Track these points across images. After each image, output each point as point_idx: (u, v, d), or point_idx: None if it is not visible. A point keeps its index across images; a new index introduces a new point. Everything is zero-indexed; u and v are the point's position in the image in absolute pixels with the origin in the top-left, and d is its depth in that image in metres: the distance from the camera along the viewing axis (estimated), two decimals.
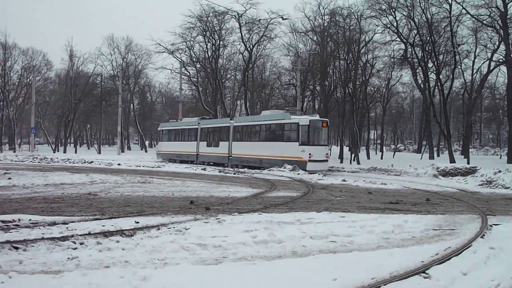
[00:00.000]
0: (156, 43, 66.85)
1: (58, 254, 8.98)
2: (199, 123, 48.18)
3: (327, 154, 36.04)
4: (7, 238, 9.83)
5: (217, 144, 43.65)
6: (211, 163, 43.99)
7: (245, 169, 37.31)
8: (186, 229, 11.13)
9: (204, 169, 35.54)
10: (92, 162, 44.64)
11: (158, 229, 11.21)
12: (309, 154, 33.52)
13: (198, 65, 67.50)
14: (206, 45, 64.21)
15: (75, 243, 9.71)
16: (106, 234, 10.49)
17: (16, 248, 9.23)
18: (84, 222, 11.99)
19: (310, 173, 31.59)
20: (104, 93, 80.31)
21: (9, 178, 25.24)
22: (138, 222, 11.94)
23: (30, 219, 11.73)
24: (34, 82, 74.76)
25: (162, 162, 48.25)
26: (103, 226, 11.44)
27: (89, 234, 10.41)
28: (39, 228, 11.07)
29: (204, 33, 62.93)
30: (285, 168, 33.83)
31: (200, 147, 46.31)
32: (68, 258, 8.74)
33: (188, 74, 68.99)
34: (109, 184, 23.40)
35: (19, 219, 11.66)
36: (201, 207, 14.92)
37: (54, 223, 11.58)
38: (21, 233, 10.50)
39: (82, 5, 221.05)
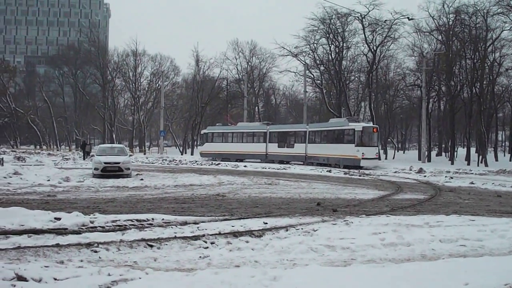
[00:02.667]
0: (280, 46, 67.19)
1: (190, 253, 9.34)
2: (267, 127, 53.29)
3: (377, 153, 43.70)
4: (142, 236, 10.34)
5: (292, 146, 49.43)
6: (284, 161, 49.61)
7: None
8: (314, 231, 11.20)
9: (330, 171, 35.49)
10: (219, 164, 45.63)
11: (287, 230, 11.36)
12: (362, 153, 40.46)
13: (322, 68, 67.23)
14: (330, 47, 63.91)
15: (206, 242, 10.04)
16: (235, 234, 10.77)
17: (151, 246, 9.68)
18: (214, 222, 12.36)
19: (434, 175, 31.27)
20: (229, 96, 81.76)
21: (141, 179, 26.38)
22: (266, 223, 12.16)
23: (162, 219, 12.26)
24: (163, 87, 77.40)
25: (213, 161, 52.69)
26: (232, 226, 11.74)
27: (220, 234, 10.74)
28: (172, 227, 11.52)
29: (327, 35, 62.63)
30: (410, 170, 33.64)
31: (269, 148, 51.49)
32: (200, 256, 9.08)
33: (312, 76, 68.89)
34: (236, 185, 23.92)
35: (152, 219, 12.19)
36: (328, 209, 14.97)
37: (185, 223, 12.02)
38: (154, 231, 11.00)
39: (208, 11, 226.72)
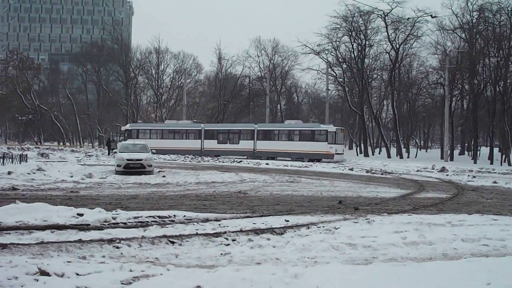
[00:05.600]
0: (302, 44, 66.97)
1: (212, 250, 9.39)
2: (202, 125, 59.78)
3: (342, 149, 53.53)
4: (163, 233, 10.41)
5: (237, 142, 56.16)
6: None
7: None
8: (336, 229, 11.21)
9: (351, 169, 35.40)
10: (241, 161, 45.71)
11: (308, 228, 11.38)
12: (336, 149, 49.21)
13: (344, 65, 67.13)
14: (352, 45, 63.87)
15: (227, 239, 10.08)
16: (257, 231, 10.78)
17: (172, 242, 9.74)
18: (236, 219, 12.41)
19: (457, 174, 30.91)
20: (252, 94, 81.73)
21: (164, 176, 26.47)
22: (288, 221, 12.18)
23: (184, 215, 12.31)
24: (185, 84, 77.67)
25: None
26: (254, 223, 11.78)
27: (241, 231, 10.80)
28: (193, 224, 11.59)
29: (350, 33, 62.59)
30: (433, 169, 33.50)
31: (204, 144, 57.16)
32: (221, 253, 9.12)
33: (335, 74, 68.76)
34: (258, 183, 23.95)
35: (174, 215, 12.25)
36: (350, 207, 14.97)
37: (207, 220, 12.07)
38: (176, 228, 11.07)
39: (230, 9, 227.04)
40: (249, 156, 53.00)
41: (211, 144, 56.85)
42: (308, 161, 47.82)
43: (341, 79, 68.24)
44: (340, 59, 65.92)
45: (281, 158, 51.60)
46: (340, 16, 60.77)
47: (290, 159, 50.33)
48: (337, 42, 63.80)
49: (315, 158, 49.57)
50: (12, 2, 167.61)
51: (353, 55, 64.52)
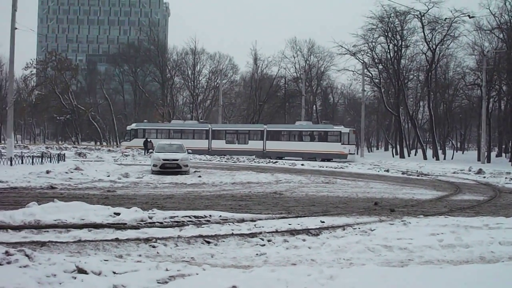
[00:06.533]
0: (338, 45, 66.99)
1: (247, 250, 9.41)
2: (209, 125, 61.53)
3: (354, 149, 56.06)
4: (199, 233, 10.46)
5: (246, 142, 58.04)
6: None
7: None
8: (371, 230, 11.14)
9: (387, 171, 35.13)
10: (276, 162, 45.72)
11: (343, 229, 11.33)
12: (349, 149, 51.58)
13: (380, 66, 66.91)
14: (388, 45, 63.61)
15: (263, 240, 10.09)
16: (292, 232, 10.77)
17: (208, 242, 9.79)
18: (271, 220, 12.40)
19: (494, 177, 30.54)
20: (287, 95, 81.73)
21: (199, 176, 26.57)
22: (323, 222, 12.14)
23: (220, 216, 12.34)
24: (221, 85, 77.93)
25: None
26: (289, 224, 11.76)
27: (276, 232, 10.79)
28: (229, 224, 11.63)
29: (386, 33, 62.36)
30: (469, 171, 33.10)
31: (212, 144, 58.74)
32: (257, 254, 9.13)
33: (371, 75, 68.59)
34: (293, 183, 23.92)
35: (210, 215, 12.29)
36: (386, 209, 14.85)
37: (242, 220, 12.10)
38: (212, 228, 11.11)
39: (266, 10, 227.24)
40: (258, 156, 54.30)
41: (219, 144, 58.50)
42: (320, 161, 49.61)
43: (377, 80, 68.04)
44: (376, 60, 65.76)
45: (291, 158, 52.74)
46: (376, 17, 60.75)
47: (301, 158, 51.57)
48: (373, 43, 63.83)
49: (328, 158, 51.51)
50: (51, 4, 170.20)
51: (389, 55, 64.22)
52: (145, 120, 69.54)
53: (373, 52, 64.67)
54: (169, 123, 66.28)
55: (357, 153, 61.76)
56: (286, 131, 57.67)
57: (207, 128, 60.20)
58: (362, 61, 64.32)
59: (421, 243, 9.85)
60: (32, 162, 29.67)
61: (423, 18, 56.67)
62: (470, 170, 34.27)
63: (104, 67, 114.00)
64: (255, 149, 56.23)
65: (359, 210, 14.63)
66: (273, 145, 55.85)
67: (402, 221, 12.43)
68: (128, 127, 65.70)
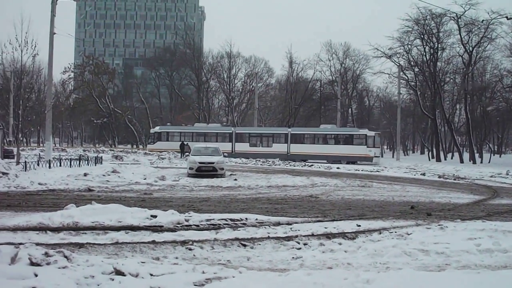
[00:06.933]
0: (374, 48, 66.72)
1: (283, 253, 9.41)
2: (233, 129, 62.45)
3: (379, 152, 59.05)
4: (235, 236, 10.53)
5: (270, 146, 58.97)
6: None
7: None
8: (408, 234, 11.07)
9: (423, 174, 34.80)
10: (312, 165, 45.65)
11: (380, 233, 11.29)
12: (374, 152, 52.81)
13: (416, 69, 66.32)
14: (424, 48, 63.03)
15: (299, 243, 10.11)
16: (328, 236, 10.77)
17: (244, 245, 9.84)
18: (307, 223, 12.40)
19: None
20: (323, 98, 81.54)
21: (235, 180, 26.68)
22: (359, 226, 12.12)
23: (256, 219, 12.39)
24: (257, 88, 77.92)
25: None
26: (325, 228, 11.74)
27: (312, 235, 10.79)
28: (265, 227, 11.65)
29: (422, 36, 61.81)
30: (507, 174, 32.67)
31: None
32: (293, 257, 9.12)
33: (406, 78, 68.04)
34: (329, 187, 23.86)
35: (246, 218, 12.35)
36: (422, 213, 14.73)
37: (278, 223, 12.10)
38: (248, 231, 11.17)
39: (301, 13, 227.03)
40: (281, 159, 54.09)
41: (242, 147, 58.90)
42: (346, 163, 50.38)
43: (413, 83, 67.42)
44: (412, 63, 65.24)
45: (314, 160, 53.45)
46: (412, 19, 60.29)
47: (325, 161, 52.81)
48: (409, 46, 63.30)
49: (353, 160, 52.57)
50: (89, 9, 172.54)
51: (425, 58, 63.70)
52: (169, 123, 71.01)
53: (409, 54, 64.23)
54: (193, 126, 67.02)
55: (382, 156, 63.18)
56: (310, 134, 58.58)
57: (231, 131, 61.23)
58: (398, 64, 63.94)
59: (458, 247, 9.75)
60: (70, 164, 30.04)
61: (459, 20, 56.15)
62: (508, 174, 33.80)
63: (141, 71, 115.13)
64: (279, 152, 57.00)
65: (396, 213, 14.54)
66: (297, 148, 56.76)
67: (439, 225, 12.32)
68: (152, 130, 66.54)
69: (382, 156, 60.72)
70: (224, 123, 75.13)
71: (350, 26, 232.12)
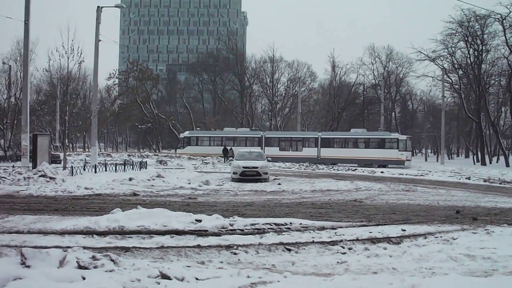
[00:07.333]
0: (417, 51, 65.92)
1: (328, 258, 9.42)
2: (262, 133, 63.16)
3: (411, 156, 58.35)
4: (280, 240, 10.57)
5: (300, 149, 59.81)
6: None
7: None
8: (454, 239, 10.97)
9: (468, 178, 34.32)
10: (355, 169, 45.42)
11: (425, 237, 11.22)
12: (406, 156, 53.48)
13: (460, 72, 65.64)
14: (468, 50, 62.35)
15: (343, 248, 10.10)
16: (373, 240, 10.77)
17: (289, 250, 9.87)
18: (352, 228, 12.39)
19: None
20: (366, 102, 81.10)
21: (279, 184, 26.68)
22: (404, 230, 12.03)
23: (300, 223, 12.38)
24: (300, 92, 77.98)
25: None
26: (370, 232, 11.71)
27: (357, 240, 10.80)
28: (309, 232, 11.66)
29: (466, 38, 61.18)
30: None
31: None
32: (338, 262, 9.12)
33: (450, 81, 67.35)
34: (373, 191, 23.69)
35: (290, 223, 12.34)
36: (468, 217, 14.54)
37: (323, 228, 12.10)
38: (292, 236, 11.18)
39: (343, 17, 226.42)
40: (312, 163, 54.51)
41: (272, 151, 58.54)
42: (377, 167, 50.06)
43: (457, 86, 66.73)
44: (456, 65, 64.60)
45: (345, 164, 53.71)
46: (456, 21, 59.74)
47: (356, 165, 52.74)
48: (453, 48, 62.80)
49: (385, 164, 52.65)
50: (132, 16, 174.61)
51: (469, 61, 62.94)
52: (198, 128, 72.40)
53: (452, 57, 63.67)
54: (222, 130, 67.04)
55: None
56: (341, 138, 59.65)
57: (260, 136, 61.72)
58: (442, 67, 63.29)
59: (506, 252, 9.61)
60: (115, 169, 30.49)
61: (504, 21, 55.38)
62: None
63: (184, 76, 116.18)
64: (309, 156, 57.58)
65: (441, 218, 14.39)
66: (327, 152, 57.32)
67: (485, 230, 12.18)
68: (181, 135, 67.59)
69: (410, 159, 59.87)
70: (253, 128, 75.98)
71: (393, 30, 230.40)
